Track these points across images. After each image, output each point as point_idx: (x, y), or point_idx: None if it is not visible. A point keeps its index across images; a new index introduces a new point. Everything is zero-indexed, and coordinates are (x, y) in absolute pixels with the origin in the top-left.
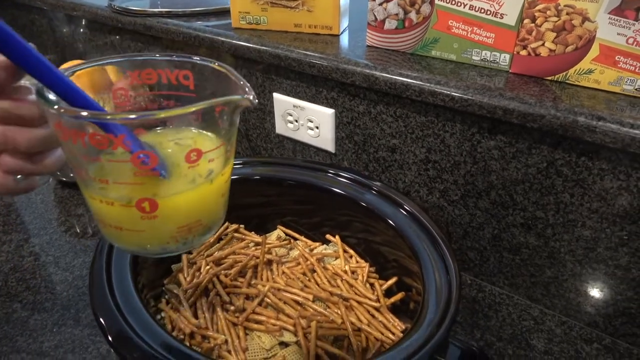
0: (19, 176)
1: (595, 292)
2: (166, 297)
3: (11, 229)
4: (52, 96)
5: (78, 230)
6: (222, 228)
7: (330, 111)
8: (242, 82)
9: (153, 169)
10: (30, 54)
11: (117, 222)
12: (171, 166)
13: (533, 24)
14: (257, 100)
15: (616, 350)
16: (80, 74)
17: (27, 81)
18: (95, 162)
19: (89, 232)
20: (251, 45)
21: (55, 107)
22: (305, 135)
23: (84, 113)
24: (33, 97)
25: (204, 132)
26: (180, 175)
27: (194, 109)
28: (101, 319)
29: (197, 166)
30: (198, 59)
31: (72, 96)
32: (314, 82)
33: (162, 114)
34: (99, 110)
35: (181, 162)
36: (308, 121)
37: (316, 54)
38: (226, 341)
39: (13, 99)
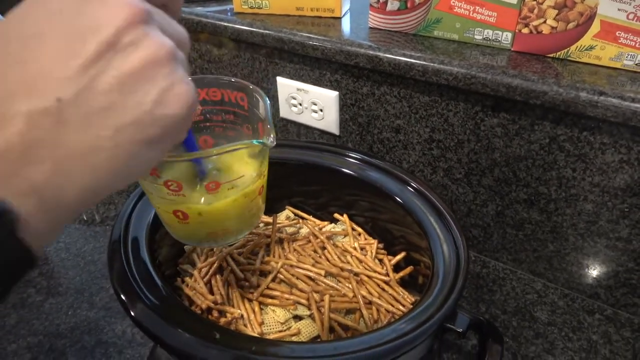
0: None
1: (596, 265)
2: (181, 276)
3: None
4: None
5: (85, 218)
6: None
7: (334, 93)
8: (268, 121)
9: (179, 193)
10: None
11: (165, 220)
12: (197, 190)
13: (535, 2)
14: (274, 143)
15: (617, 320)
16: None
17: None
18: (145, 180)
19: (96, 219)
20: (254, 29)
21: None
22: (310, 119)
23: None
24: None
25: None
26: (204, 198)
27: (213, 153)
28: (122, 296)
29: (218, 192)
30: (251, 86)
31: None
32: (317, 65)
33: (178, 158)
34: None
35: (203, 189)
36: (312, 104)
37: (319, 37)
38: (242, 316)
39: None
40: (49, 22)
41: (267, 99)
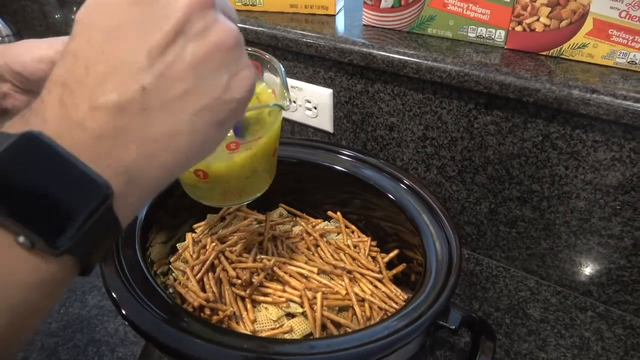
0: None
1: (589, 262)
2: (173, 274)
3: None
4: None
5: None
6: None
7: (328, 91)
8: (284, 86)
9: None
10: None
11: (185, 180)
12: (218, 150)
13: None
14: (290, 106)
15: (609, 317)
16: None
17: None
18: None
19: None
20: (247, 26)
21: None
22: (303, 116)
23: None
24: None
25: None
26: (224, 157)
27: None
28: (113, 294)
29: (237, 152)
30: (267, 56)
31: None
32: (311, 63)
33: None
34: None
35: (224, 149)
36: (306, 102)
37: (313, 34)
38: (234, 313)
39: None
40: (127, 12)
41: (281, 66)
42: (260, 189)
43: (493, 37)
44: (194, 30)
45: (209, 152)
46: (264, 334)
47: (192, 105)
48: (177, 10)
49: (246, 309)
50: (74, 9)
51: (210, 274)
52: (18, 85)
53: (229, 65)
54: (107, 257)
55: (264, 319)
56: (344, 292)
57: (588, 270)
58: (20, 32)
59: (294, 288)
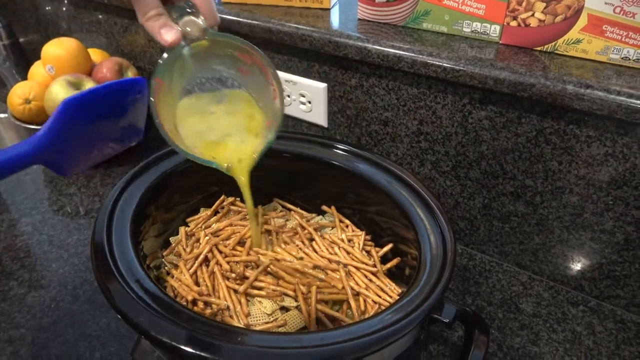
0: None
1: (581, 257)
2: (166, 268)
3: (2, 209)
4: None
5: (69, 210)
6: (218, 201)
7: (322, 85)
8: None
9: None
10: None
11: None
12: None
13: None
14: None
15: (601, 312)
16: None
17: None
18: None
19: (80, 212)
20: (242, 19)
21: None
22: (298, 110)
23: None
24: None
25: None
26: None
27: None
28: (106, 288)
29: None
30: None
31: None
32: (305, 57)
33: None
34: None
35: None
36: (300, 96)
37: (308, 28)
38: (228, 307)
39: None
40: None
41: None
42: None
43: (488, 32)
44: None
45: None
46: (257, 328)
47: None
48: None
49: (240, 303)
50: (65, 1)
51: (203, 267)
52: None
53: None
54: (99, 251)
55: (258, 313)
56: (340, 285)
57: (580, 265)
58: (10, 24)
59: (288, 282)
